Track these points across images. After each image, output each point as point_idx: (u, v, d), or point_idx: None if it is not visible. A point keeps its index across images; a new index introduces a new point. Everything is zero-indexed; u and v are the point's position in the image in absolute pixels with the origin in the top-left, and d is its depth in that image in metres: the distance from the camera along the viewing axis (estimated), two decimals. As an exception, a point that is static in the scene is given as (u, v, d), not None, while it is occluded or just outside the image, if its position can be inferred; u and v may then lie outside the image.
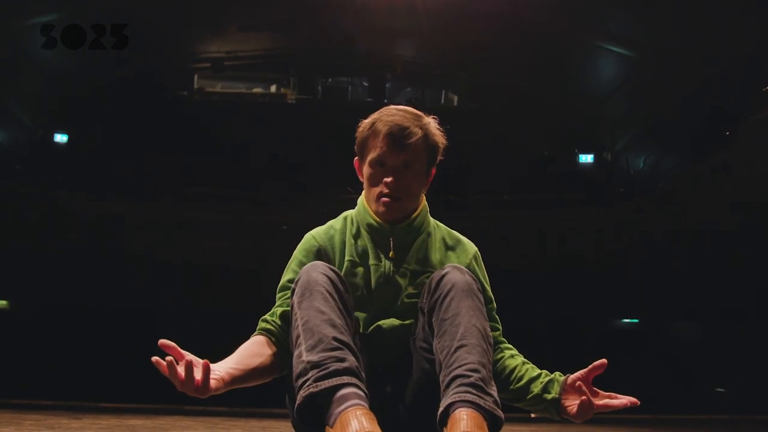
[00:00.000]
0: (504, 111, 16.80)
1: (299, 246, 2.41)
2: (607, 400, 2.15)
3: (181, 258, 13.26)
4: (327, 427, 1.79)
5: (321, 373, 1.86)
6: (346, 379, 1.85)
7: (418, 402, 2.08)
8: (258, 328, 2.20)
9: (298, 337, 1.98)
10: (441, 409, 1.85)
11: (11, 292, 13.21)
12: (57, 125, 16.46)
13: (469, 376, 1.87)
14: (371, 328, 2.25)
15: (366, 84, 19.25)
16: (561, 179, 16.28)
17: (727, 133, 12.38)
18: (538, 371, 2.23)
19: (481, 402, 1.81)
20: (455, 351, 1.94)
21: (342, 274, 2.24)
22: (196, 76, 18.81)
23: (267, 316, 2.22)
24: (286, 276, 2.33)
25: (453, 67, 17.60)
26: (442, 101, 19.58)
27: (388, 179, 2.28)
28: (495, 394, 1.90)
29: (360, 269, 2.31)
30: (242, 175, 15.44)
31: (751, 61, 12.07)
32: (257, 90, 19.27)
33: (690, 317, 13.59)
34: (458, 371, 1.89)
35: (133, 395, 8.68)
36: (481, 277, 2.38)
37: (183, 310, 12.60)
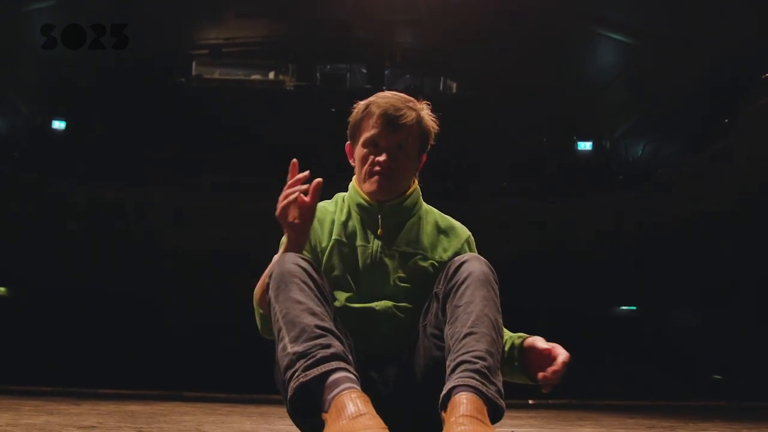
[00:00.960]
0: (503, 98, 16.76)
1: None
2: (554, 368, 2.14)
3: (181, 245, 13.27)
4: (323, 414, 1.80)
5: (309, 362, 1.87)
6: (334, 364, 1.86)
7: (426, 388, 2.08)
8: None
9: (279, 330, 1.99)
10: (443, 392, 1.86)
11: (10, 279, 13.21)
12: (55, 112, 16.41)
13: (475, 363, 1.88)
14: (361, 309, 2.26)
15: (365, 71, 19.21)
16: (559, 167, 16.28)
17: (727, 120, 12.37)
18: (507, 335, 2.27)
19: (483, 389, 1.82)
20: (464, 337, 1.95)
21: (327, 253, 2.28)
22: (194, 63, 18.76)
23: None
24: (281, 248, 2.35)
25: (452, 54, 17.56)
26: (441, 88, 19.55)
27: (381, 158, 2.30)
28: (500, 384, 1.90)
29: (346, 249, 2.33)
30: (241, 161, 15.41)
31: (751, 49, 12.04)
32: (256, 77, 19.22)
33: (688, 305, 13.61)
34: (465, 357, 1.90)
35: (132, 381, 8.70)
36: None
37: (183, 298, 12.63)
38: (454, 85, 19.55)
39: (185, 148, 15.35)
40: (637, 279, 13.11)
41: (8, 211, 12.56)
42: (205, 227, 13.75)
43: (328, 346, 1.90)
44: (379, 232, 2.34)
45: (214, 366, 10.86)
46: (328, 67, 19.55)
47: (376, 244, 2.34)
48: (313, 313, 1.97)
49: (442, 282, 2.12)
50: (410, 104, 2.34)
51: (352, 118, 2.39)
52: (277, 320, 2.00)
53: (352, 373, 1.87)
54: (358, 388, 1.82)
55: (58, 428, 2.63)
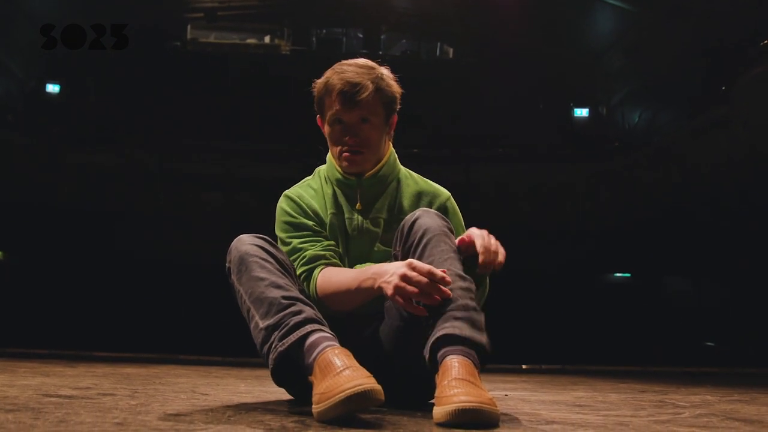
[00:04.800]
0: (499, 64, 16.66)
1: (284, 207, 2.43)
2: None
3: (175, 209, 13.25)
4: (310, 378, 1.81)
5: (283, 330, 1.90)
6: (308, 327, 1.89)
7: (399, 348, 2.11)
8: (315, 263, 2.26)
9: (248, 310, 2.03)
10: (429, 344, 1.88)
11: (6, 243, 13.20)
12: (49, 76, 16.27)
13: (457, 316, 1.90)
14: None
15: (361, 36, 19.06)
16: (555, 133, 16.24)
17: (724, 88, 12.32)
18: None
19: (471, 336, 1.85)
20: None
21: (328, 226, 2.31)
22: (189, 27, 18.59)
23: (310, 254, 2.28)
24: (289, 234, 2.37)
25: (449, 19, 17.41)
26: (438, 53, 19.42)
27: (347, 137, 2.32)
28: (480, 324, 1.94)
29: (337, 221, 2.36)
30: (236, 126, 15.35)
31: (749, 16, 11.96)
32: (251, 41, 19.06)
33: (682, 272, 13.67)
34: (445, 322, 1.91)
35: (128, 344, 8.73)
36: (456, 223, 2.41)
37: (178, 262, 12.64)
38: (451, 51, 19.42)
39: (179, 111, 15.26)
40: (632, 246, 13.13)
41: (3, 175, 12.51)
42: (199, 191, 13.73)
43: (299, 312, 1.93)
44: (357, 206, 2.37)
45: (209, 329, 10.90)
46: (324, 31, 19.38)
47: (358, 215, 2.38)
48: (278, 286, 2.01)
49: (398, 243, 2.14)
50: (368, 75, 2.33)
51: (315, 94, 2.42)
52: (245, 301, 2.04)
53: (328, 332, 1.90)
54: (337, 344, 1.85)
55: (54, 389, 2.65)
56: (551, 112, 17.36)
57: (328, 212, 2.40)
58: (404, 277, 1.94)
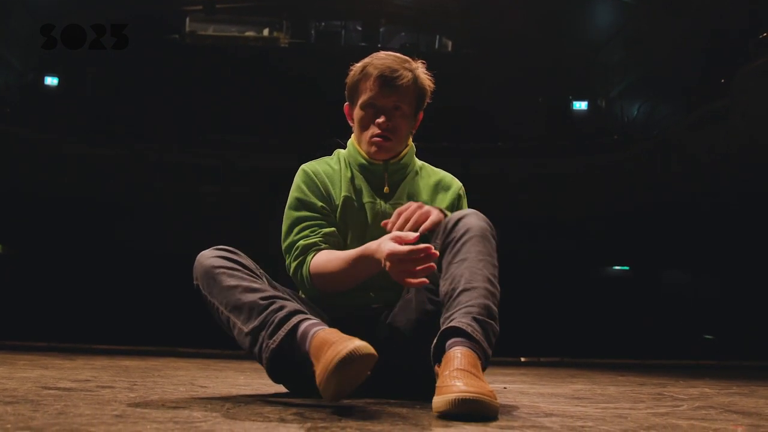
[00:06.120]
0: (499, 57, 16.65)
1: (298, 181, 2.47)
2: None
3: (174, 201, 13.25)
4: (315, 364, 1.80)
5: (270, 329, 1.92)
6: (294, 319, 1.91)
7: (416, 343, 2.10)
8: (308, 251, 2.32)
9: (228, 320, 2.03)
10: (436, 339, 1.89)
11: (4, 235, 13.19)
12: (47, 68, 16.26)
13: (471, 311, 1.91)
14: None
15: (359, 28, 19.04)
16: (554, 126, 16.24)
17: (723, 81, 12.31)
18: None
19: (477, 335, 1.85)
20: (459, 294, 1.97)
21: (339, 209, 2.32)
22: (188, 19, 18.55)
23: (302, 244, 2.33)
24: (297, 213, 2.38)
25: (448, 11, 17.39)
26: (437, 46, 19.40)
27: (380, 120, 2.34)
28: (494, 332, 1.93)
29: (356, 206, 2.38)
30: (235, 119, 15.34)
31: (748, 9, 11.95)
32: (250, 33, 19.03)
33: (680, 265, 13.67)
34: (460, 310, 1.92)
35: (127, 337, 8.73)
36: (464, 207, 2.50)
37: (176, 254, 12.62)
38: (450, 43, 19.40)
39: (178, 103, 15.25)
40: (630, 239, 13.14)
41: (2, 168, 12.50)
42: (197, 183, 13.73)
43: (280, 308, 1.95)
44: (385, 189, 2.41)
45: (208, 323, 10.89)
46: (323, 24, 19.35)
47: (381, 201, 2.42)
48: (252, 290, 2.01)
49: (440, 236, 2.15)
50: (406, 65, 2.39)
51: (349, 80, 2.44)
52: (221, 312, 2.04)
53: (314, 318, 1.91)
54: (326, 326, 1.86)
55: (53, 381, 2.65)
56: (550, 105, 17.35)
57: (342, 194, 2.41)
58: (395, 239, 2.05)
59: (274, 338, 1.90)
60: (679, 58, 13.75)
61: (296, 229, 2.36)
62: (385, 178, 2.43)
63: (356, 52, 2.47)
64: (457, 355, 1.79)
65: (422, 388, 2.01)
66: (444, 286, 2.03)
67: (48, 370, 3.39)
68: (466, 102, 15.04)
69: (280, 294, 2.03)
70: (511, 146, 15.07)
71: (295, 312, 1.93)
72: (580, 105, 17.67)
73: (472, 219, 2.11)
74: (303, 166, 2.51)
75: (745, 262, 11.89)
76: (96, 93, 16.21)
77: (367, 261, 2.15)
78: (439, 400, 1.68)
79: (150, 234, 12.68)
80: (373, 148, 2.40)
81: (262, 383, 3.13)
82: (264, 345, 1.92)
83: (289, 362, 1.91)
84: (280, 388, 2.36)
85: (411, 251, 1.96)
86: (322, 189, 2.42)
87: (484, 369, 1.85)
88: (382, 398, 1.87)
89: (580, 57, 17.39)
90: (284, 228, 2.41)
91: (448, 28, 18.86)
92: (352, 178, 2.45)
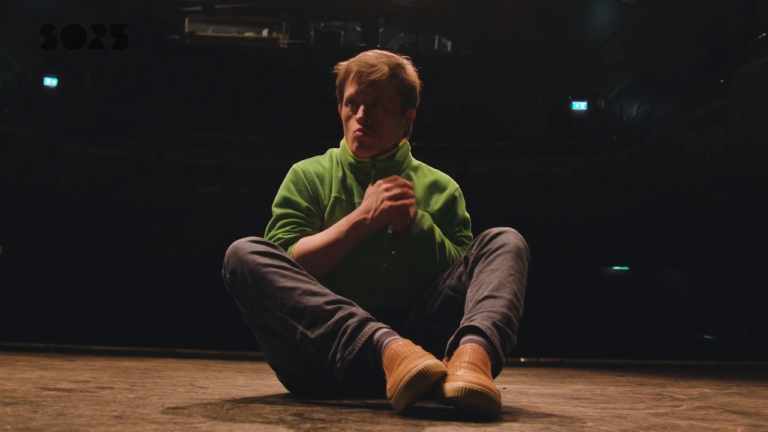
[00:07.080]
0: (498, 57, 16.66)
1: (287, 180, 2.46)
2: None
3: (172, 201, 13.25)
4: (386, 374, 1.79)
5: (344, 338, 1.89)
6: (369, 329, 1.88)
7: (434, 342, 2.09)
8: (288, 245, 2.32)
9: (283, 321, 1.98)
10: (453, 337, 1.90)
11: (3, 235, 13.19)
12: (47, 68, 16.26)
13: (491, 317, 1.92)
14: (364, 262, 2.33)
15: (359, 29, 19.05)
16: (553, 126, 16.25)
17: (722, 81, 12.32)
18: None
19: (493, 339, 1.86)
20: (483, 300, 1.97)
21: (328, 209, 2.32)
22: (187, 20, 18.55)
23: (282, 237, 2.34)
24: (281, 210, 2.38)
25: (447, 12, 17.40)
26: (436, 47, 19.41)
27: (358, 115, 2.34)
28: (510, 342, 1.95)
29: (345, 206, 2.38)
30: (234, 119, 15.34)
31: (747, 9, 11.96)
32: (249, 34, 19.04)
33: (680, 265, 13.68)
34: (481, 314, 1.92)
35: (126, 338, 8.74)
36: (459, 210, 2.50)
37: (176, 255, 12.64)
38: (449, 44, 19.41)
39: (176, 104, 15.26)
40: (630, 239, 13.14)
41: (1, 168, 12.50)
42: (196, 184, 13.73)
43: (351, 315, 1.92)
44: (369, 186, 2.38)
45: (207, 324, 10.90)
46: (322, 24, 19.36)
47: None
48: (313, 293, 1.97)
49: (475, 247, 2.16)
50: (385, 59, 2.38)
51: (337, 80, 2.45)
52: (276, 314, 1.98)
53: (384, 326, 1.90)
54: (397, 335, 1.86)
55: (52, 382, 2.65)
56: (550, 104, 17.36)
57: (332, 195, 2.41)
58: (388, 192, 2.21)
59: (350, 348, 1.86)
60: (677, 57, 13.76)
61: (279, 224, 2.36)
62: (372, 176, 2.42)
63: (355, 53, 2.46)
64: (468, 350, 1.80)
65: None
66: (471, 292, 2.04)
67: (47, 371, 3.39)
68: (465, 102, 15.05)
69: (341, 297, 2.00)
70: (510, 146, 15.08)
71: (367, 320, 1.91)
72: (580, 105, 17.68)
73: (510, 236, 2.14)
74: (294, 166, 2.50)
75: (744, 261, 11.89)
76: (95, 93, 16.21)
77: (349, 221, 2.25)
78: (447, 387, 1.67)
79: (150, 234, 12.68)
80: (355, 144, 2.38)
81: (261, 384, 3.13)
82: (339, 355, 1.89)
83: (363, 369, 1.90)
84: (280, 389, 2.36)
85: (394, 177, 2.20)
86: (309, 189, 2.41)
87: (493, 374, 1.85)
88: (382, 398, 1.87)
89: (579, 57, 17.40)
90: (269, 223, 2.40)
91: (448, 29, 18.88)
92: (344, 178, 2.44)
